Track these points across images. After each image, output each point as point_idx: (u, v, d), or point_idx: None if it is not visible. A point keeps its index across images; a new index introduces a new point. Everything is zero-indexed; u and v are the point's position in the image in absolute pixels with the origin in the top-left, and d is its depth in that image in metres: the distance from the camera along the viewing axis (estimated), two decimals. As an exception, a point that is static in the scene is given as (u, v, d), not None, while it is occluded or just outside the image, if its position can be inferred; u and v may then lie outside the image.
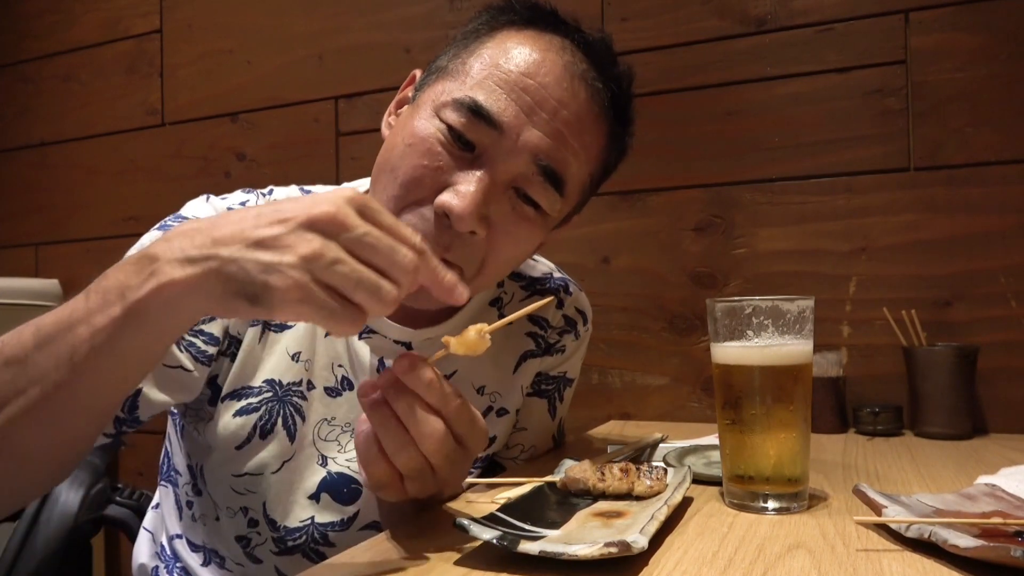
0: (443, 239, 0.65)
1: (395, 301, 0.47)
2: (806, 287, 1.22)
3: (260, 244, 0.46)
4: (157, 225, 0.73)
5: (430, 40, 1.53)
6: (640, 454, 0.87)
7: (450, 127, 0.65)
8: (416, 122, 0.67)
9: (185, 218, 0.73)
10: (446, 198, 0.63)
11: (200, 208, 0.75)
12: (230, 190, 1.84)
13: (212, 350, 0.71)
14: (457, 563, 0.50)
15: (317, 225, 0.46)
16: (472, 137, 0.64)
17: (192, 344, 0.69)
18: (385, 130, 0.75)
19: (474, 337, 0.55)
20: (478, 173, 0.64)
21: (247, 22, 1.72)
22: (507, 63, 0.66)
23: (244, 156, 1.71)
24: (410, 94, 0.74)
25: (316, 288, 0.46)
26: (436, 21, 1.53)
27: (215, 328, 0.71)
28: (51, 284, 1.82)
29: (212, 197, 0.76)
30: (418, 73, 0.75)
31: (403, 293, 0.48)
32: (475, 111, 0.64)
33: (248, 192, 0.79)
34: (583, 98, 0.68)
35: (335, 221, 0.46)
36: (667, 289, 1.32)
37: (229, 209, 0.73)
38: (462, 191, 0.63)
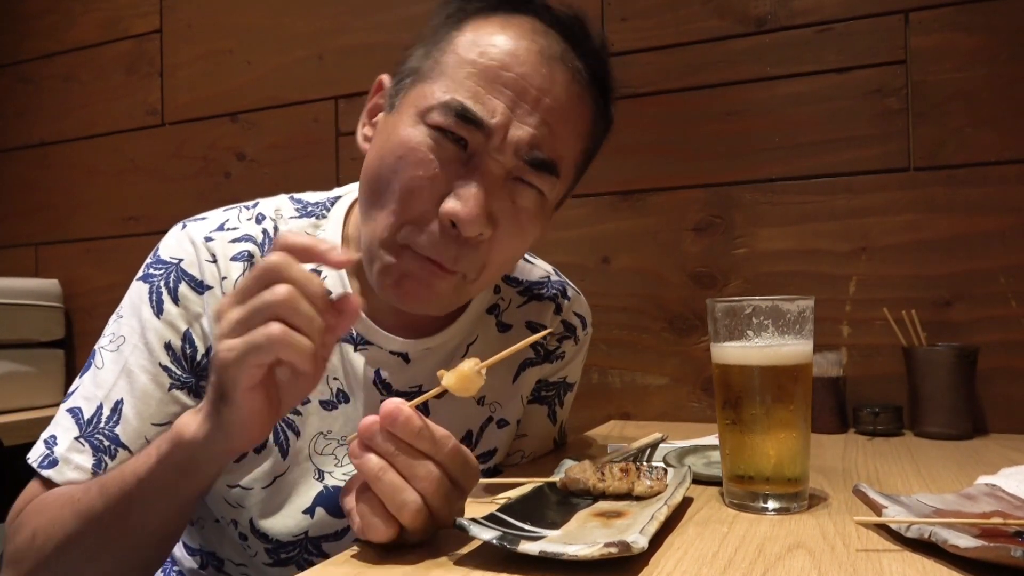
0: (451, 250, 0.64)
1: (287, 296, 0.49)
2: (806, 287, 1.22)
3: None
4: (140, 274, 0.73)
5: (430, 40, 1.53)
6: (640, 454, 0.87)
7: (439, 128, 0.64)
8: (402, 131, 0.65)
9: (164, 260, 0.72)
10: (451, 206, 0.63)
11: (177, 243, 0.73)
12: (230, 190, 1.84)
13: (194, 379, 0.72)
14: (457, 563, 0.50)
15: (221, 313, 0.53)
16: (463, 134, 0.64)
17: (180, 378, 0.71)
18: (363, 143, 0.73)
19: (469, 372, 0.55)
20: (474, 174, 0.64)
21: (247, 22, 1.72)
22: (482, 58, 0.64)
23: (244, 156, 1.71)
24: (382, 101, 0.72)
25: (235, 340, 0.50)
26: (436, 21, 1.53)
27: (199, 353, 0.71)
28: (51, 284, 1.82)
29: (189, 224, 0.75)
30: (386, 79, 0.72)
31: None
32: (461, 115, 0.63)
33: (228, 209, 0.77)
34: (563, 81, 0.66)
35: (228, 296, 0.53)
36: (667, 289, 1.32)
37: (207, 240, 0.73)
38: (464, 195, 0.63)
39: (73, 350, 1.86)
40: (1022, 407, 1.11)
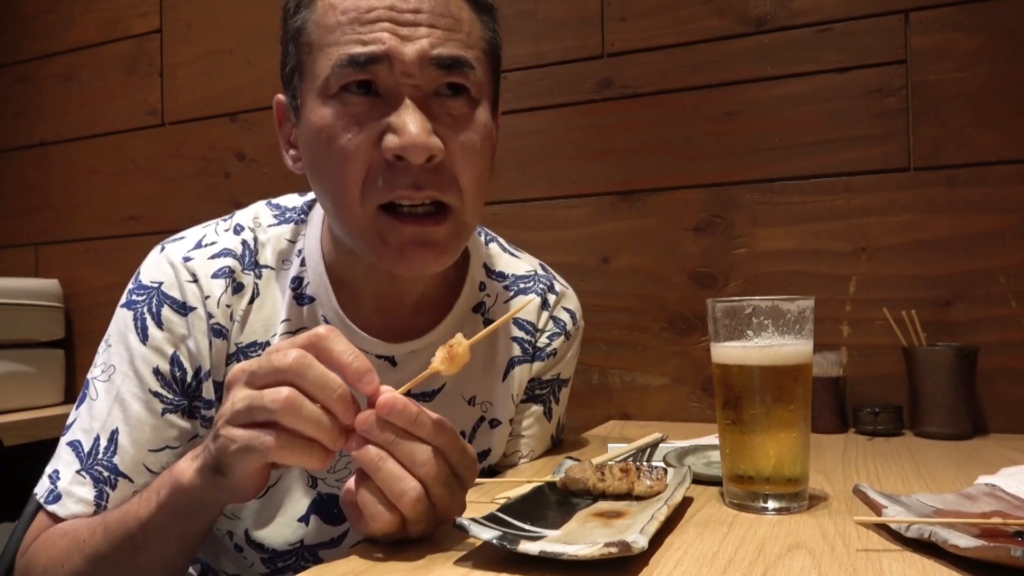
0: (412, 180, 0.63)
1: (285, 402, 0.50)
2: (806, 287, 1.22)
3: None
4: (123, 301, 0.73)
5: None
6: (640, 454, 0.87)
7: (343, 89, 0.63)
8: (314, 120, 0.65)
9: (145, 285, 0.73)
10: (390, 142, 0.62)
11: (156, 266, 0.74)
12: (230, 190, 1.83)
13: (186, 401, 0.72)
14: (457, 563, 0.50)
15: (230, 385, 0.54)
16: (365, 77, 0.63)
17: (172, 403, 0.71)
18: (292, 163, 0.73)
19: (460, 352, 0.55)
20: (399, 106, 0.63)
21: (247, 22, 1.72)
22: (344, 14, 0.64)
23: (244, 156, 1.71)
24: (292, 119, 0.71)
25: (237, 431, 0.51)
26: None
27: (188, 374, 0.72)
28: (51, 284, 1.82)
29: (167, 246, 0.75)
30: (281, 97, 0.73)
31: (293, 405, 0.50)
32: (353, 64, 0.62)
33: (206, 226, 0.78)
34: None
35: (239, 371, 0.53)
36: (667, 289, 1.32)
37: (185, 260, 0.73)
38: (397, 125, 0.62)
39: (73, 350, 1.86)
40: (1022, 407, 1.11)
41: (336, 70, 0.63)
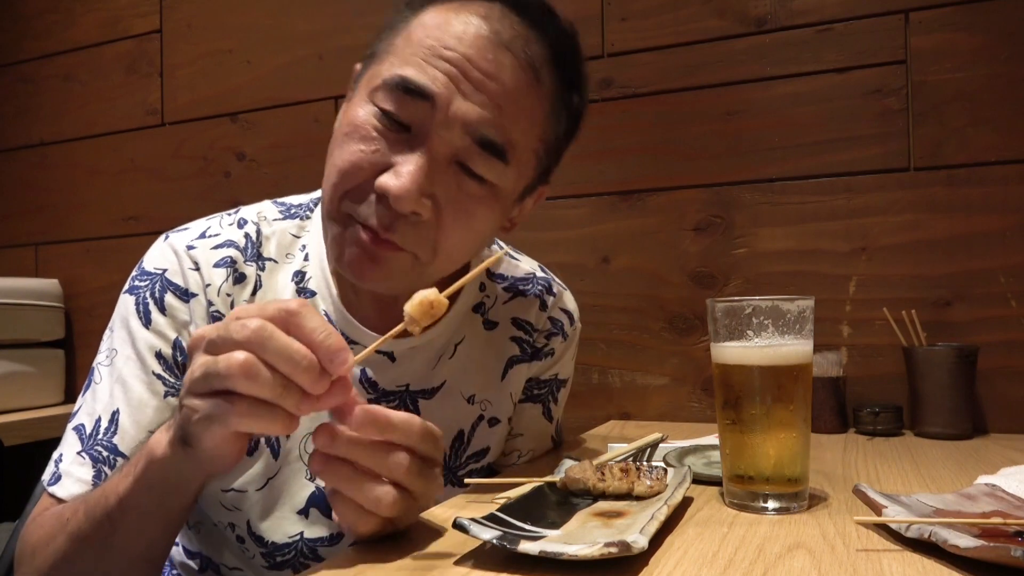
0: (385, 220, 0.64)
1: (241, 368, 0.47)
2: (806, 287, 1.22)
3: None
4: (126, 287, 0.74)
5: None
6: (640, 454, 0.87)
7: (383, 111, 0.64)
8: (352, 111, 0.67)
9: (148, 271, 0.73)
10: (384, 179, 0.63)
11: (160, 254, 0.74)
12: (230, 190, 1.83)
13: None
14: (457, 563, 0.50)
15: (191, 351, 0.52)
16: (405, 117, 0.64)
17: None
18: None
19: (437, 306, 0.53)
20: (416, 152, 0.63)
21: (247, 22, 1.72)
22: (428, 37, 0.64)
23: (244, 156, 1.71)
24: (353, 88, 0.72)
25: (197, 401, 0.49)
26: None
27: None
28: (51, 284, 1.82)
29: (171, 235, 0.75)
30: (359, 67, 0.73)
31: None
32: (403, 87, 0.63)
33: (211, 218, 0.78)
34: (512, 67, 0.65)
35: (199, 337, 0.51)
36: (667, 289, 1.32)
37: (189, 248, 0.73)
38: (401, 171, 0.63)
39: (73, 350, 1.86)
40: (1022, 407, 1.11)
41: (386, 86, 0.64)
